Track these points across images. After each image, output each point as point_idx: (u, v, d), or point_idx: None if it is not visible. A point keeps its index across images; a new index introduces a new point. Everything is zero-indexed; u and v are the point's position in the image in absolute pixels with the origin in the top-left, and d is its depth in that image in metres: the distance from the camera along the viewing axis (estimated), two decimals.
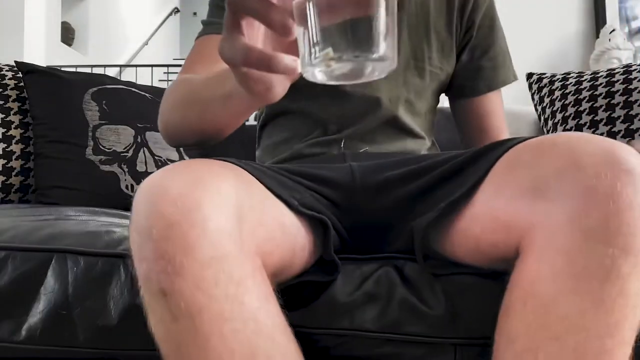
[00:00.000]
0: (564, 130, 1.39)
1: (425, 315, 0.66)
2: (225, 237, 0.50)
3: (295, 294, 0.71)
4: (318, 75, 0.39)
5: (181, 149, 1.46)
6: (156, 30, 7.38)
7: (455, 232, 0.64)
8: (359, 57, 0.37)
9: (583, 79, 1.43)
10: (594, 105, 1.36)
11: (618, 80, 1.35)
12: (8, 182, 1.32)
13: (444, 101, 1.05)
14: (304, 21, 0.38)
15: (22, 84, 1.38)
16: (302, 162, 0.85)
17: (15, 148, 1.34)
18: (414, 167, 0.74)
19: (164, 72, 6.40)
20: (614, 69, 1.40)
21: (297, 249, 0.64)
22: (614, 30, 2.31)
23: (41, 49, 3.92)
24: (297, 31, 0.39)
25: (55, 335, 0.70)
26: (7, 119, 1.34)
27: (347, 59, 0.37)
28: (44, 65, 1.98)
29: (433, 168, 0.71)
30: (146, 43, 6.92)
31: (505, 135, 0.96)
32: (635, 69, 1.35)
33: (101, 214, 0.99)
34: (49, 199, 1.29)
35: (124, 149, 1.36)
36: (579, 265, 0.48)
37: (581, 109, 1.38)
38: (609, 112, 1.33)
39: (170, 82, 6.22)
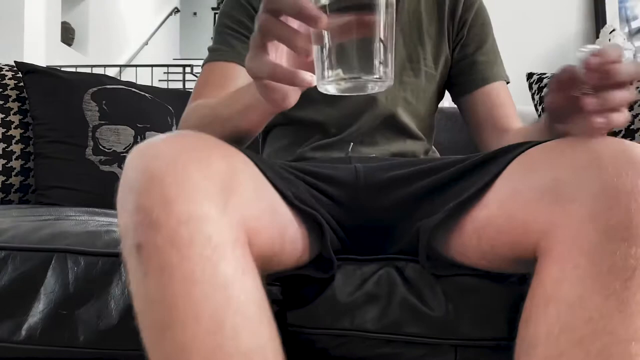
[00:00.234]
0: None
1: (425, 316, 0.66)
2: (206, 199, 0.50)
3: (296, 294, 0.71)
4: (330, 89, 0.49)
5: None
6: (156, 30, 7.39)
7: (466, 234, 0.64)
8: (362, 78, 0.47)
9: None
10: None
11: None
12: (8, 182, 1.32)
13: (444, 101, 1.05)
14: (320, 48, 0.48)
15: (22, 84, 1.38)
16: (306, 163, 0.85)
17: (15, 148, 1.34)
18: (420, 167, 0.74)
19: (164, 72, 6.41)
20: None
21: (287, 239, 0.64)
22: (614, 30, 2.31)
23: (41, 49, 3.92)
24: (314, 53, 0.49)
25: (55, 335, 0.70)
26: (7, 119, 1.34)
27: (354, 78, 0.47)
28: (44, 65, 1.98)
29: (441, 169, 0.71)
30: (146, 43, 6.92)
31: (516, 123, 0.93)
32: None
33: (101, 214, 1.00)
34: (49, 199, 1.29)
35: (123, 149, 1.36)
36: (603, 266, 0.47)
37: None
38: None
39: (170, 82, 6.25)
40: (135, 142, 1.38)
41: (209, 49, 0.92)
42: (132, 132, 1.38)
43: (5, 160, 1.32)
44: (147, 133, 1.41)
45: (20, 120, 1.36)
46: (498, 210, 0.60)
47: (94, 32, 5.64)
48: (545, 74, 1.55)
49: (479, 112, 0.96)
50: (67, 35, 5.20)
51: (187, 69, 5.77)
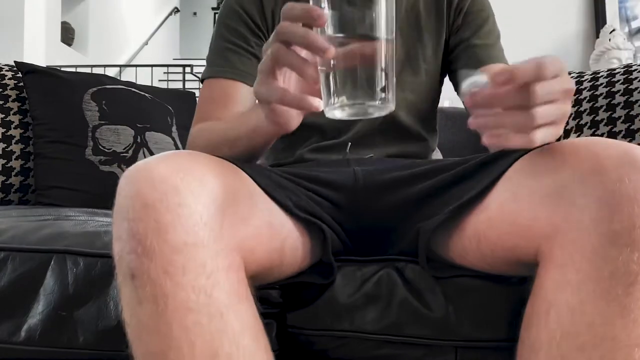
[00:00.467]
0: (565, 130, 1.39)
1: (425, 317, 0.66)
2: (200, 225, 0.49)
3: (296, 295, 0.71)
4: (336, 114, 0.52)
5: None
6: (156, 30, 7.38)
7: (466, 237, 0.63)
8: (365, 103, 0.50)
9: (584, 79, 1.43)
10: (595, 106, 1.35)
11: (619, 81, 1.35)
12: (8, 182, 1.32)
13: (443, 101, 1.05)
14: (326, 76, 0.51)
15: (21, 84, 1.38)
16: (305, 165, 0.85)
17: (15, 148, 1.34)
18: (419, 169, 0.74)
19: (164, 72, 6.41)
20: (614, 69, 1.40)
21: (287, 250, 0.64)
22: (614, 30, 2.31)
23: (41, 49, 3.92)
24: (321, 80, 0.51)
25: (54, 336, 0.70)
26: (7, 119, 1.34)
27: (358, 104, 0.50)
28: (44, 65, 1.98)
29: (440, 171, 0.71)
30: (146, 43, 6.92)
31: None
32: (636, 69, 1.35)
33: (101, 214, 0.99)
34: (49, 199, 1.29)
35: (123, 149, 1.36)
36: (605, 271, 0.47)
37: (582, 109, 1.38)
38: (609, 113, 1.33)
39: (169, 82, 6.24)
40: (135, 142, 1.38)
41: (208, 62, 0.91)
42: (132, 132, 1.38)
43: (5, 160, 1.32)
44: (147, 133, 1.41)
45: (20, 120, 1.36)
46: (499, 213, 0.59)
47: (94, 32, 5.64)
48: None
49: None
50: (67, 35, 5.20)
51: (187, 69, 5.77)
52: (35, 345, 0.71)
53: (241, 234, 0.55)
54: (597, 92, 1.36)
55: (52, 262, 0.72)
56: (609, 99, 1.34)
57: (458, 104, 1.35)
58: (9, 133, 1.33)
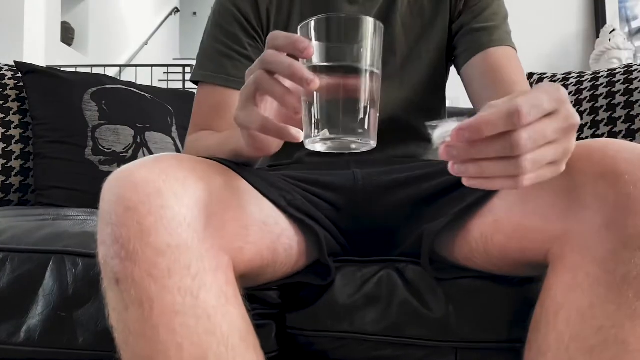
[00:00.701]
0: None
1: (426, 318, 0.66)
2: (184, 227, 0.49)
3: (295, 295, 0.70)
4: (317, 147, 0.51)
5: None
6: (156, 30, 7.38)
7: (472, 239, 0.63)
8: (347, 139, 0.50)
9: (584, 79, 1.43)
10: (595, 106, 1.35)
11: (619, 81, 1.35)
12: (8, 182, 1.32)
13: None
14: (309, 108, 0.50)
15: (21, 84, 1.38)
16: (304, 166, 0.84)
17: (15, 148, 1.33)
18: (420, 171, 0.73)
19: (164, 72, 6.40)
20: (614, 69, 1.40)
21: (280, 249, 0.63)
22: (614, 30, 2.30)
23: (41, 49, 3.92)
24: (303, 112, 0.51)
25: (54, 337, 0.70)
26: (7, 119, 1.34)
27: (339, 139, 0.49)
28: (44, 65, 1.98)
29: (441, 174, 0.70)
30: (146, 43, 6.92)
31: (521, 87, 0.81)
32: (636, 69, 1.35)
33: None
34: (48, 200, 1.29)
35: (123, 149, 1.36)
36: (617, 274, 0.46)
37: (582, 109, 1.37)
38: (609, 113, 1.33)
39: (169, 82, 6.23)
40: (135, 142, 1.38)
41: (200, 63, 0.89)
42: (132, 132, 1.38)
43: (5, 160, 1.32)
44: (147, 133, 1.40)
45: (19, 120, 1.35)
46: (507, 215, 0.59)
47: (93, 32, 5.63)
48: (545, 74, 1.55)
49: (475, 82, 0.86)
50: (67, 35, 5.19)
51: (187, 69, 5.76)
52: (35, 346, 0.70)
53: (229, 233, 0.55)
54: (598, 92, 1.36)
55: (50, 263, 0.72)
56: (609, 99, 1.34)
57: (458, 103, 1.34)
58: (8, 133, 1.33)
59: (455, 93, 1.09)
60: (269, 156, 0.64)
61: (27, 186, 1.34)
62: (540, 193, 0.55)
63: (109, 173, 0.52)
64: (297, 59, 0.50)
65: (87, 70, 4.32)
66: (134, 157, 1.35)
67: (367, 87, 0.50)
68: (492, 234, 0.60)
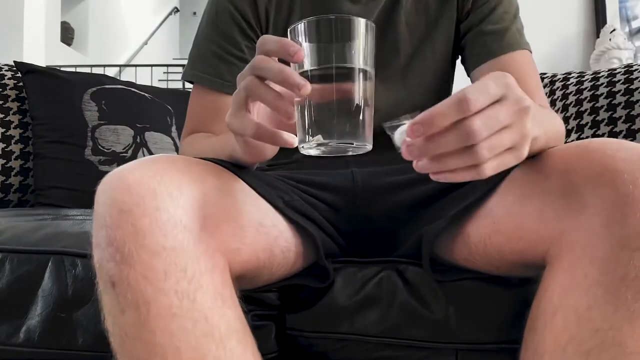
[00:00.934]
0: (565, 131, 1.39)
1: (426, 319, 0.66)
2: (179, 228, 0.49)
3: (295, 297, 0.70)
4: (311, 152, 0.51)
5: None
6: (156, 30, 7.38)
7: (471, 240, 0.62)
8: (341, 144, 0.49)
9: (584, 79, 1.42)
10: (595, 106, 1.35)
11: (619, 81, 1.34)
12: (7, 182, 1.31)
13: None
14: (302, 112, 0.50)
15: (21, 83, 1.38)
16: (302, 166, 0.84)
17: (15, 148, 1.33)
18: (421, 173, 0.72)
19: (164, 72, 6.40)
20: (615, 69, 1.39)
21: (277, 251, 0.63)
22: (614, 30, 2.30)
23: (41, 49, 3.92)
24: (296, 117, 0.50)
25: (53, 338, 0.70)
26: (7, 118, 1.33)
27: (333, 144, 0.49)
28: (44, 65, 1.98)
29: None
30: (146, 43, 6.91)
31: (537, 99, 0.79)
32: (636, 69, 1.35)
33: None
34: (48, 200, 1.29)
35: (123, 149, 1.35)
36: (615, 275, 0.46)
37: (582, 109, 1.37)
38: (610, 113, 1.32)
39: (169, 82, 6.23)
40: (135, 142, 1.37)
41: (193, 62, 0.87)
42: (132, 132, 1.38)
43: (5, 160, 1.31)
44: (147, 133, 1.40)
45: (19, 120, 1.35)
46: (505, 216, 0.58)
47: (93, 32, 5.63)
48: (545, 73, 1.55)
49: None
50: (67, 35, 5.19)
51: None
52: (34, 346, 0.70)
53: (225, 234, 0.55)
54: (598, 92, 1.36)
55: (50, 264, 0.72)
56: (609, 99, 1.34)
57: None
58: (8, 133, 1.33)
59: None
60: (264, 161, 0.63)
61: (26, 186, 1.34)
62: (538, 193, 0.55)
63: (108, 173, 0.52)
64: (288, 63, 0.50)
65: (87, 70, 4.32)
66: (133, 157, 1.35)
67: (360, 89, 0.49)
68: (490, 235, 0.60)
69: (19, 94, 1.37)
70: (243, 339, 0.50)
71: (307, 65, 0.49)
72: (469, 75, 0.90)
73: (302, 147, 0.51)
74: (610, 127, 1.32)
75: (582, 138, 1.36)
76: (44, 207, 1.26)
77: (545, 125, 0.58)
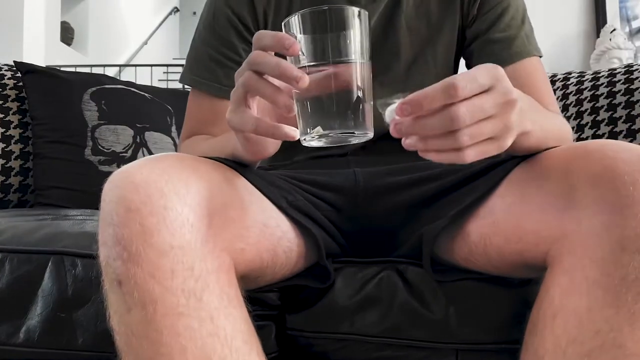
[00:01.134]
0: (572, 135, 1.39)
1: (426, 320, 0.66)
2: (187, 227, 0.49)
3: (295, 297, 0.70)
4: (313, 143, 0.51)
5: None
6: (156, 30, 7.38)
7: (471, 241, 0.62)
8: (341, 134, 0.50)
9: (584, 79, 1.42)
10: (596, 106, 1.35)
11: (619, 80, 1.34)
12: (7, 182, 1.31)
13: None
14: (301, 104, 0.50)
15: (21, 83, 1.38)
16: (303, 166, 0.83)
17: (14, 148, 1.33)
18: (421, 173, 0.72)
19: (164, 72, 6.40)
20: (615, 69, 1.39)
21: (280, 251, 0.63)
22: (614, 29, 2.30)
23: (40, 49, 3.92)
24: (296, 109, 0.51)
25: (53, 338, 0.70)
26: (6, 118, 1.33)
27: (333, 134, 0.50)
28: (43, 65, 1.98)
29: (443, 175, 0.69)
30: (146, 43, 6.91)
31: (546, 105, 0.77)
32: (637, 69, 1.35)
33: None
34: (48, 200, 1.28)
35: (123, 149, 1.35)
36: (615, 277, 0.45)
37: (582, 109, 1.37)
38: (610, 113, 1.32)
39: (169, 82, 6.24)
40: (135, 142, 1.37)
41: (191, 66, 0.86)
42: (132, 132, 1.38)
43: (5, 160, 1.31)
44: (147, 133, 1.40)
45: (19, 120, 1.35)
46: (505, 216, 0.58)
47: (93, 32, 5.63)
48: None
49: None
50: (67, 34, 5.19)
51: None
52: (34, 346, 0.70)
53: (230, 234, 0.55)
54: (598, 92, 1.36)
55: (49, 264, 0.72)
56: (610, 99, 1.33)
57: None
58: (8, 133, 1.33)
59: None
60: (266, 158, 0.63)
61: (26, 186, 1.34)
62: (538, 194, 0.55)
63: (108, 173, 0.52)
64: (285, 57, 0.50)
65: (87, 70, 4.31)
66: (133, 157, 1.35)
67: (358, 77, 0.49)
68: (490, 235, 0.60)
69: (18, 94, 1.37)
70: (248, 338, 0.50)
71: (304, 58, 0.49)
72: None
73: (304, 139, 0.51)
74: (611, 127, 1.31)
75: (582, 138, 1.36)
76: (44, 207, 1.26)
77: (542, 123, 0.59)
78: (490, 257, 0.61)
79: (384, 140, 0.84)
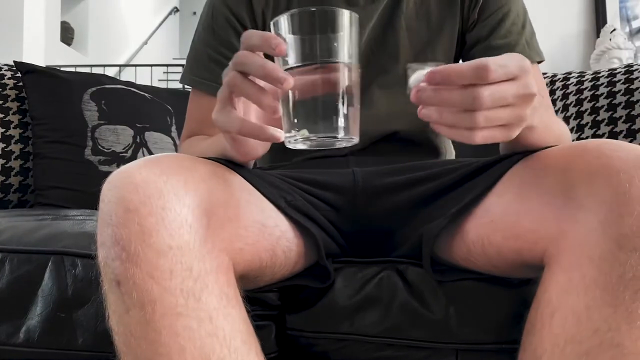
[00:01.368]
0: (570, 138, 1.39)
1: (426, 320, 0.66)
2: (185, 228, 0.49)
3: (295, 297, 0.70)
4: (297, 146, 0.51)
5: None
6: (156, 29, 7.38)
7: (470, 239, 0.62)
8: (327, 138, 0.49)
9: (584, 79, 1.42)
10: (596, 106, 1.35)
11: (619, 80, 1.34)
12: (7, 182, 1.31)
13: None
14: (287, 106, 0.50)
15: (21, 83, 1.38)
16: (302, 167, 0.83)
17: (15, 148, 1.33)
18: (420, 173, 0.72)
19: (164, 72, 6.40)
20: (615, 69, 1.39)
21: (279, 251, 0.63)
22: (614, 29, 2.30)
23: (40, 49, 3.92)
24: (282, 112, 0.50)
25: (53, 338, 0.70)
26: (6, 118, 1.33)
27: (318, 137, 0.49)
28: (43, 65, 1.98)
29: (442, 175, 0.69)
30: (146, 43, 6.91)
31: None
32: (637, 69, 1.35)
33: None
34: (48, 200, 1.28)
35: (123, 149, 1.35)
36: (613, 275, 0.45)
37: (582, 109, 1.37)
38: (610, 112, 1.32)
39: (169, 82, 6.25)
40: (135, 142, 1.37)
41: (191, 66, 0.87)
42: (132, 132, 1.38)
43: (5, 160, 1.31)
44: (147, 133, 1.40)
45: (19, 120, 1.35)
46: (503, 214, 0.58)
47: (93, 32, 5.63)
48: (545, 73, 1.54)
49: None
50: (67, 34, 5.19)
51: None
52: (34, 346, 0.70)
53: (229, 234, 0.55)
54: (598, 92, 1.36)
55: (49, 264, 0.72)
56: (610, 99, 1.33)
57: None
58: (8, 133, 1.33)
59: None
60: (258, 158, 0.63)
61: (26, 186, 1.34)
62: (536, 192, 0.55)
63: (108, 173, 0.52)
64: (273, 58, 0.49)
65: (87, 70, 4.32)
66: (133, 157, 1.35)
67: (345, 80, 0.49)
68: (489, 233, 0.60)
69: (18, 94, 1.37)
70: (247, 339, 0.50)
71: (291, 59, 0.49)
72: None
73: (289, 141, 0.51)
74: (611, 127, 1.31)
75: (582, 138, 1.36)
76: (44, 207, 1.26)
77: (546, 122, 0.60)
78: (489, 256, 0.61)
79: (384, 141, 0.86)
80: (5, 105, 1.34)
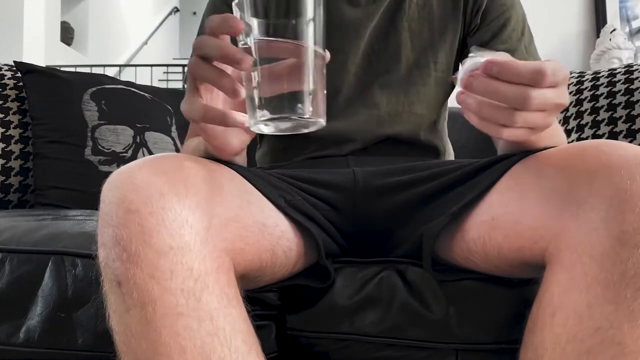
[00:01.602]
0: (566, 130, 1.39)
1: (426, 320, 0.66)
2: (185, 228, 0.49)
3: (295, 297, 0.70)
4: (262, 128, 0.49)
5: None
6: (156, 29, 7.38)
7: (470, 239, 0.62)
8: (290, 118, 0.47)
9: (584, 79, 1.42)
10: (596, 106, 1.35)
11: (619, 80, 1.34)
12: (7, 182, 1.31)
13: None
14: (250, 87, 0.48)
15: (21, 83, 1.37)
16: (302, 166, 0.83)
17: (14, 148, 1.33)
18: (421, 173, 0.71)
19: (164, 72, 6.41)
20: (615, 69, 1.39)
21: (279, 251, 0.63)
22: (614, 29, 2.30)
23: (40, 49, 3.92)
24: (246, 94, 0.49)
25: (53, 338, 0.70)
26: (6, 118, 1.33)
27: (282, 119, 0.47)
28: (43, 65, 1.98)
29: (442, 175, 0.69)
30: (146, 43, 6.92)
31: None
32: (637, 69, 1.35)
33: None
34: (48, 200, 1.28)
35: (123, 149, 1.35)
36: (615, 273, 0.45)
37: (583, 109, 1.37)
38: (610, 112, 1.32)
39: (169, 82, 6.25)
40: (135, 142, 1.37)
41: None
42: (132, 132, 1.38)
43: (5, 160, 1.31)
44: (147, 133, 1.40)
45: (19, 120, 1.35)
46: (503, 213, 0.58)
47: (93, 32, 5.63)
48: None
49: None
50: (67, 34, 5.19)
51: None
52: (34, 346, 0.70)
53: (230, 234, 0.55)
54: (598, 92, 1.36)
55: (50, 264, 0.72)
56: (610, 99, 1.33)
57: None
58: (8, 133, 1.33)
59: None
60: (237, 154, 0.62)
61: (26, 186, 1.34)
62: (536, 191, 0.55)
63: (108, 173, 0.52)
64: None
65: (87, 70, 4.32)
66: (133, 157, 1.35)
67: (310, 63, 0.48)
68: (489, 232, 0.60)
69: (18, 94, 1.37)
70: (248, 338, 0.50)
71: (253, 39, 0.48)
72: None
73: (252, 123, 0.49)
74: (611, 127, 1.31)
75: (583, 138, 1.36)
76: (44, 207, 1.26)
77: (553, 126, 0.61)
78: (490, 256, 0.61)
79: (385, 141, 0.86)
80: (5, 105, 1.34)
